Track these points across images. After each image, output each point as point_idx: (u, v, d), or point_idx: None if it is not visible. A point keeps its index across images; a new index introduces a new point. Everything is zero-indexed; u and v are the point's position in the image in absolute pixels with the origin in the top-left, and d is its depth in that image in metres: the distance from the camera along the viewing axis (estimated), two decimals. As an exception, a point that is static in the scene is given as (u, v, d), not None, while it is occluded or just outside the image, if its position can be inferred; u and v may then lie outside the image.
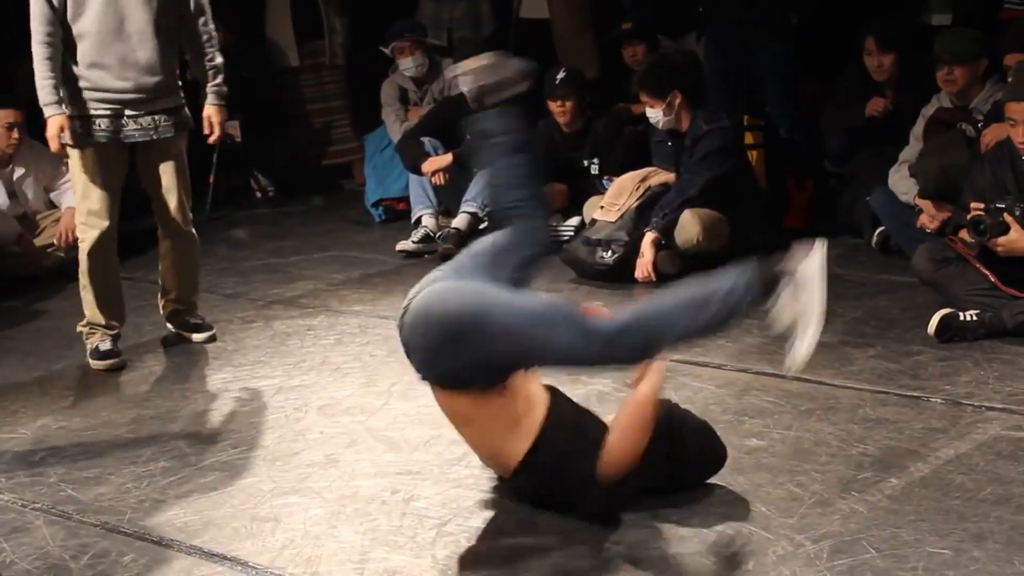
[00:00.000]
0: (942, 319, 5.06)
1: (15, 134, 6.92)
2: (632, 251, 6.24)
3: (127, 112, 5.31)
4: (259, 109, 8.98)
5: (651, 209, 6.34)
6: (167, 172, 5.47)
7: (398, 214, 7.94)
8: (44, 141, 6.94)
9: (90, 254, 5.42)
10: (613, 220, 6.39)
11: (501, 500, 3.90)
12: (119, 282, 5.62)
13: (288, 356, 5.44)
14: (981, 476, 3.85)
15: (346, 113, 9.16)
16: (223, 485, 4.17)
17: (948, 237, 5.39)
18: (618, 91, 7.74)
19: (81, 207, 5.41)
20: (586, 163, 7.16)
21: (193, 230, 5.63)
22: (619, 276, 6.23)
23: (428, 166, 7.31)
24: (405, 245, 7.14)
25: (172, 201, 5.49)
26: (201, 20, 5.46)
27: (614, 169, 6.92)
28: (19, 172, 7.06)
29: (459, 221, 7.09)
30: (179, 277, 5.68)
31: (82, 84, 5.27)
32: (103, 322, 5.50)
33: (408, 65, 7.95)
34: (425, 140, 7.46)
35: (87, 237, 5.40)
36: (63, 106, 5.21)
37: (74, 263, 5.95)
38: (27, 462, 4.49)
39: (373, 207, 8.13)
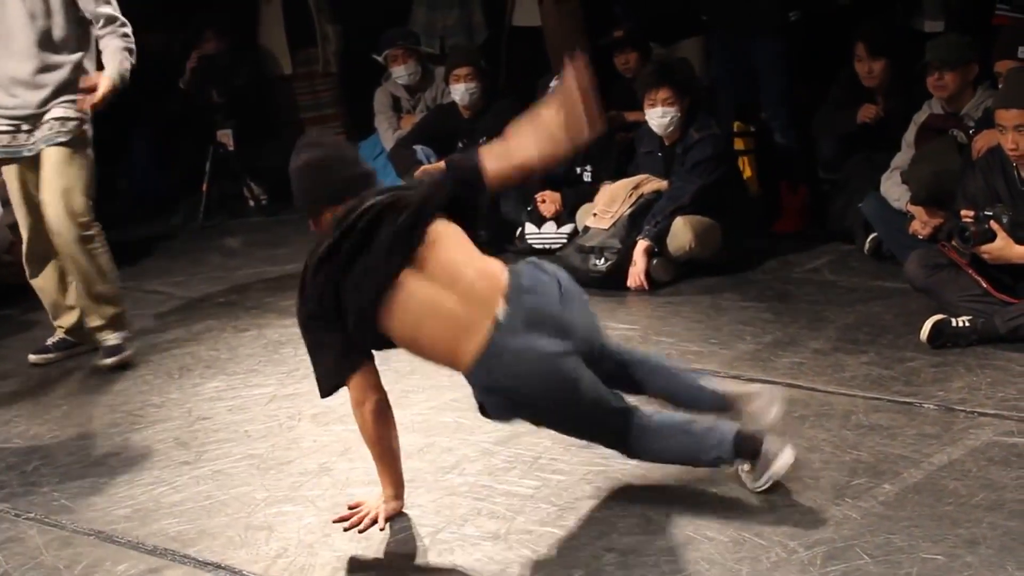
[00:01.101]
0: (935, 325, 5.06)
1: None
2: (625, 258, 6.25)
3: (23, 127, 5.38)
4: (252, 117, 8.99)
5: (644, 216, 6.35)
6: (48, 169, 5.37)
7: (391, 222, 7.93)
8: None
9: (24, 260, 5.67)
10: (606, 227, 6.39)
11: (495, 507, 3.90)
12: (55, 289, 5.71)
13: (281, 364, 5.44)
14: (974, 482, 3.85)
15: (339, 121, 9.17)
16: (217, 494, 4.17)
17: (940, 243, 5.40)
18: (611, 98, 7.74)
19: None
20: (578, 170, 7.17)
21: (79, 231, 5.40)
22: (612, 283, 6.23)
23: (421, 174, 7.30)
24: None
25: (47, 195, 5.39)
26: (100, 27, 5.37)
27: (607, 176, 6.92)
28: (8, 180, 7.04)
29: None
30: (76, 282, 5.58)
31: None
32: (52, 319, 5.72)
33: (401, 73, 7.96)
34: (418, 148, 7.47)
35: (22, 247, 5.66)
36: None
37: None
38: (20, 471, 4.49)
39: (366, 215, 8.12)
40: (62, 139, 5.36)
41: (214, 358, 5.62)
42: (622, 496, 3.93)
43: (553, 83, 7.01)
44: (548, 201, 7.12)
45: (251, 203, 9.04)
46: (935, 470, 3.96)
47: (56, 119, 5.36)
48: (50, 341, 5.69)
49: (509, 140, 3.72)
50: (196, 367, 5.54)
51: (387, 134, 8.04)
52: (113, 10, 5.38)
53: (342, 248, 3.64)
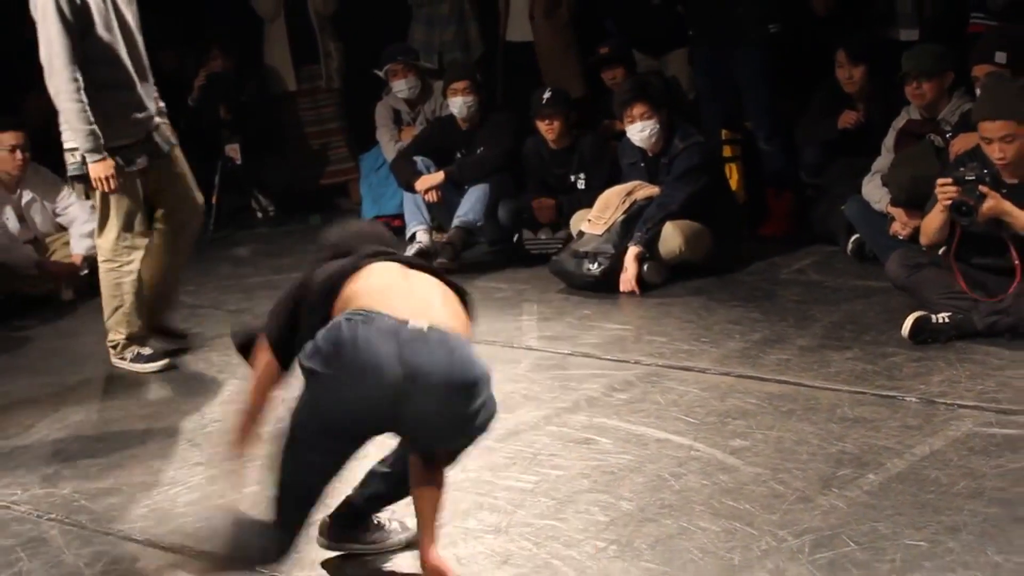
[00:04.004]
0: (915, 321, 5.08)
1: (18, 156, 6.89)
2: (618, 263, 6.26)
3: None
4: (258, 132, 9.01)
5: (636, 222, 6.36)
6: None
7: (393, 230, 7.90)
8: (48, 165, 7.05)
9: None
10: (600, 233, 6.40)
11: (496, 502, 3.91)
12: None
13: (292, 369, 5.44)
14: (955, 471, 3.87)
15: (342, 134, 9.18)
16: (231, 493, 4.17)
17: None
18: (603, 109, 7.76)
19: None
20: (573, 178, 7.19)
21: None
22: (605, 287, 6.25)
23: (421, 184, 7.33)
24: (401, 260, 7.14)
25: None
26: None
27: (600, 184, 6.93)
28: (27, 197, 7.04)
29: (452, 236, 7.11)
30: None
31: None
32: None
33: (401, 87, 7.97)
34: (418, 159, 7.48)
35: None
36: None
37: (87, 285, 6.13)
38: (42, 475, 4.49)
39: (369, 224, 8.14)
40: None
41: (225, 363, 5.62)
42: (618, 490, 3.94)
43: (546, 95, 7.06)
44: (544, 207, 7.13)
45: (258, 214, 9.06)
46: (917, 460, 3.97)
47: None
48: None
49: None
50: (209, 372, 5.55)
51: (388, 146, 8.05)
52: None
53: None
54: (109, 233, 5.50)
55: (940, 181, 5.08)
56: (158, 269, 5.74)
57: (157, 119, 5.55)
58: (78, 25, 5.14)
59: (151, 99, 5.51)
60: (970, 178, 4.99)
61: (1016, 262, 5.03)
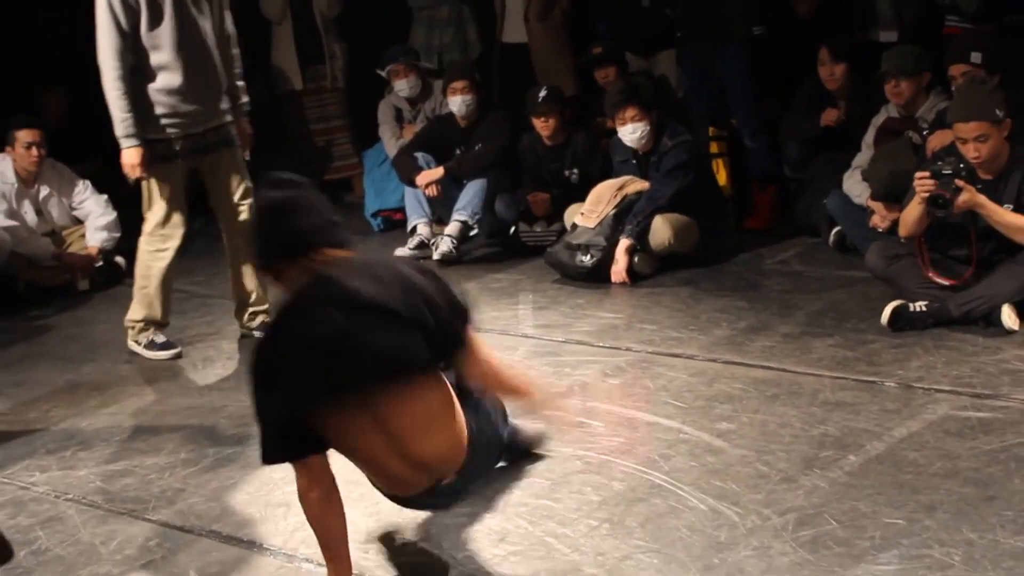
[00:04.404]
0: (894, 310, 5.08)
1: (34, 152, 6.89)
2: (609, 255, 6.25)
3: None
4: (266, 130, 8.98)
5: (627, 215, 6.36)
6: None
7: (395, 223, 7.95)
8: (65, 161, 7.05)
9: None
10: (592, 226, 6.39)
11: (493, 482, 3.91)
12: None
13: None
14: (931, 452, 3.87)
15: (346, 131, 9.16)
16: (239, 475, 4.18)
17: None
18: (595, 107, 7.75)
19: None
20: (567, 173, 7.18)
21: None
22: (597, 277, 6.24)
23: (422, 179, 7.32)
24: (402, 252, 7.15)
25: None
26: None
27: (593, 178, 6.91)
28: (44, 191, 7.04)
29: (451, 229, 7.10)
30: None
31: None
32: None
33: (403, 87, 7.96)
34: (419, 155, 7.47)
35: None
36: None
37: (102, 276, 6.07)
38: (59, 457, 4.50)
39: (372, 217, 8.14)
40: None
41: (234, 350, 5.63)
42: (609, 471, 3.94)
43: (542, 93, 7.05)
44: (539, 201, 7.13)
45: (266, 209, 9.03)
46: (896, 442, 3.98)
47: None
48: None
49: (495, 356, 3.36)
50: (218, 359, 5.55)
51: (390, 143, 8.04)
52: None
53: (286, 326, 3.18)
54: (151, 218, 5.51)
55: (918, 175, 5.07)
56: (235, 274, 5.74)
57: (227, 118, 5.53)
58: (127, 21, 5.19)
59: (217, 99, 5.47)
60: (946, 172, 4.98)
61: (973, 253, 5.04)
